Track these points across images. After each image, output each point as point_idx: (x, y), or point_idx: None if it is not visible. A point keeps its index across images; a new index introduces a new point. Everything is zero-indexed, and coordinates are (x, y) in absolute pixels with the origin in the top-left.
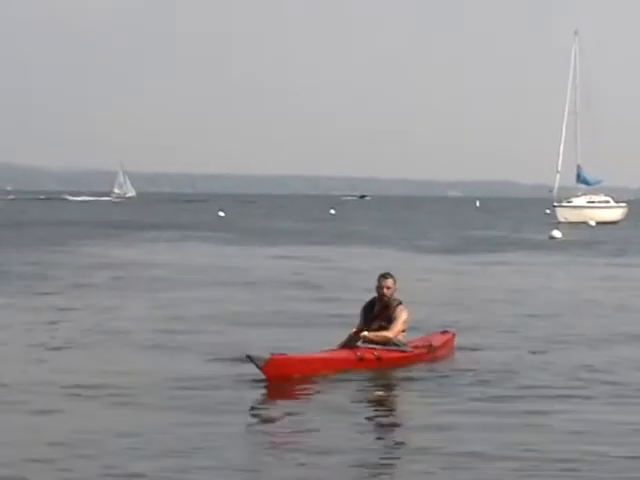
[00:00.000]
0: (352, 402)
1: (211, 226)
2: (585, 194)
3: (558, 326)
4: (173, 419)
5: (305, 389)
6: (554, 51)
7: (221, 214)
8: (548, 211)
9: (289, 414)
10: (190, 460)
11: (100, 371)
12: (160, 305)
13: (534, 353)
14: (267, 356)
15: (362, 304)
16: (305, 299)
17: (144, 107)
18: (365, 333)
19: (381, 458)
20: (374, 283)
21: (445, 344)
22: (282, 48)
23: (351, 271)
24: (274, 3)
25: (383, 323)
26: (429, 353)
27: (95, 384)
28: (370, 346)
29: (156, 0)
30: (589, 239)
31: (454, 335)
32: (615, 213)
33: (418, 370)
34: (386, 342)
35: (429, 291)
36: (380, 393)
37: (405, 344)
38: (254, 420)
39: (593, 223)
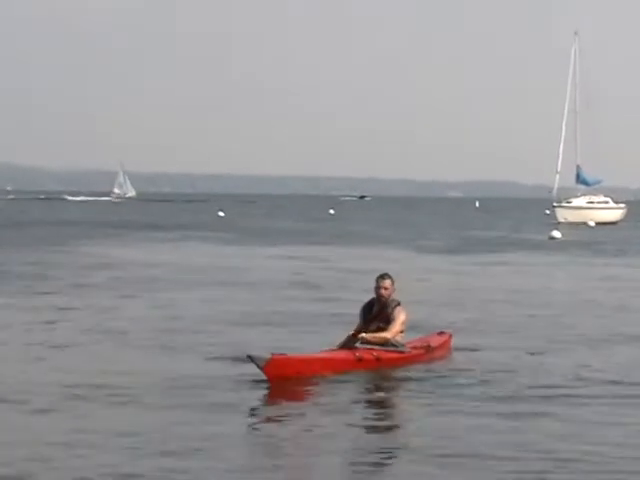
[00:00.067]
0: (351, 402)
1: (211, 226)
2: (585, 195)
3: (558, 326)
4: (173, 419)
5: (305, 389)
6: (554, 51)
7: (221, 214)
8: (548, 211)
9: (289, 414)
10: (190, 460)
11: (100, 371)
12: (160, 305)
13: (533, 354)
14: (268, 356)
15: (361, 304)
16: (304, 299)
17: (144, 107)
18: (363, 335)
19: (380, 458)
20: (373, 284)
21: (442, 345)
22: (282, 48)
23: (350, 271)
24: (274, 3)
25: (381, 324)
26: (427, 354)
27: (95, 384)
28: (369, 347)
29: (156, 0)
30: (589, 239)
31: (451, 336)
32: (614, 214)
33: (417, 371)
34: (384, 343)
35: (429, 291)
36: (379, 393)
37: (403, 345)
38: (254, 420)
39: (592, 224)
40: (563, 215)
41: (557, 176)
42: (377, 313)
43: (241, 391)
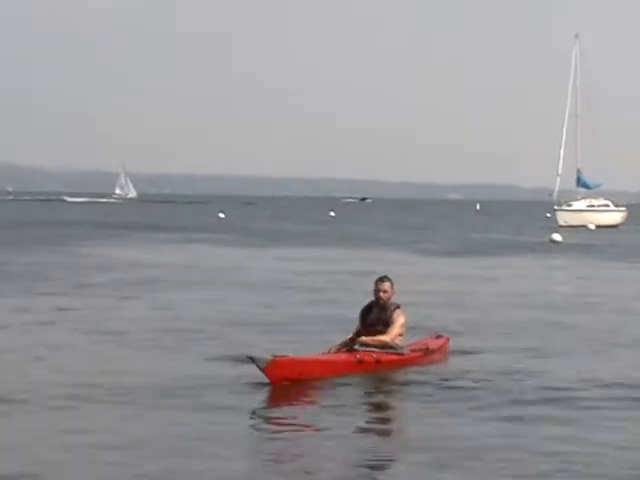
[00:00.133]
0: (352, 404)
1: (211, 227)
2: (585, 198)
3: (558, 329)
4: (173, 419)
5: (305, 390)
6: (554, 52)
7: (221, 215)
8: (548, 214)
9: (289, 415)
10: (190, 460)
11: (100, 371)
12: (160, 306)
13: (533, 356)
14: (269, 357)
15: (361, 307)
16: (304, 301)
17: (144, 107)
18: (362, 338)
19: (380, 460)
20: (372, 286)
21: (440, 348)
22: (282, 48)
23: (350, 273)
24: (274, 3)
25: (380, 327)
26: (426, 356)
27: (95, 384)
28: (368, 349)
29: (156, 0)
30: (589, 243)
31: (448, 339)
32: (615, 217)
33: (416, 373)
34: (383, 346)
35: (429, 294)
36: (379, 395)
37: (402, 347)
38: (254, 421)
39: (593, 227)
40: (564, 218)
41: (558, 179)
42: (376, 316)
43: (241, 392)
